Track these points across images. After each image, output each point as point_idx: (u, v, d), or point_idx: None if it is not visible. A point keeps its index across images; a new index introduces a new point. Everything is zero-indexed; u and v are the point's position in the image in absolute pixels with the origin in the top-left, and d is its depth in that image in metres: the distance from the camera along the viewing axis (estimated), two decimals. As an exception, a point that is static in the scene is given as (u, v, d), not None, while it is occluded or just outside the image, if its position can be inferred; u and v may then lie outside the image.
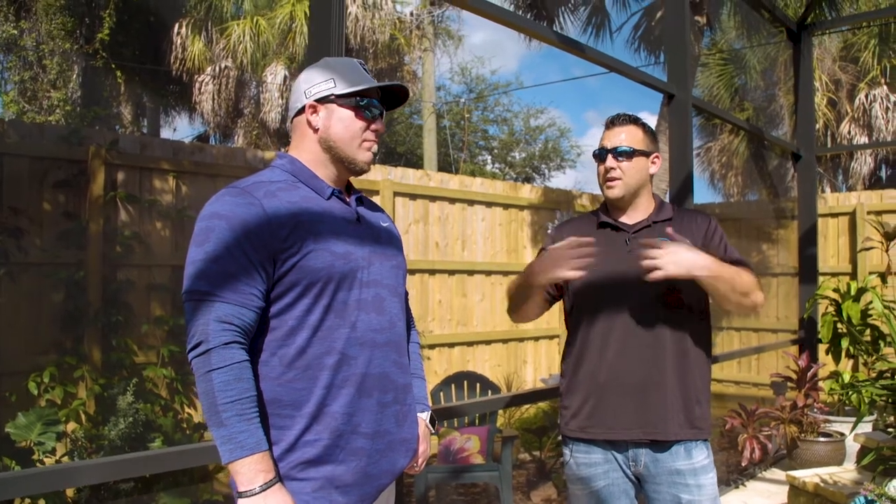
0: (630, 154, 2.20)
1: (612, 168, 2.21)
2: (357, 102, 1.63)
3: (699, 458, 2.17)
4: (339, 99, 1.62)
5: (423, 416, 1.80)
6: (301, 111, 1.65)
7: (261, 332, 1.51)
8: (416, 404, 1.77)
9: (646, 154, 2.24)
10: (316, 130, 1.63)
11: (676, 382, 2.15)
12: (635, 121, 2.27)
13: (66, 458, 4.33)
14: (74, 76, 10.21)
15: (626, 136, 2.22)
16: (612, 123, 2.27)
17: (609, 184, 2.23)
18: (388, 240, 1.72)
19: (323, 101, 1.62)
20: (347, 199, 1.67)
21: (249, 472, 1.40)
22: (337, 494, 1.52)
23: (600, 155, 2.25)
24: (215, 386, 1.39)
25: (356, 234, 1.61)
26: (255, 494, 1.40)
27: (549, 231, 8.00)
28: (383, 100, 1.72)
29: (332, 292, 1.53)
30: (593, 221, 2.32)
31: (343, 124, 1.62)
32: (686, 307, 2.18)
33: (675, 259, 1.98)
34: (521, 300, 2.26)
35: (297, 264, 1.49)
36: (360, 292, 1.57)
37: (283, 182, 1.58)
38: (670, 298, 2.16)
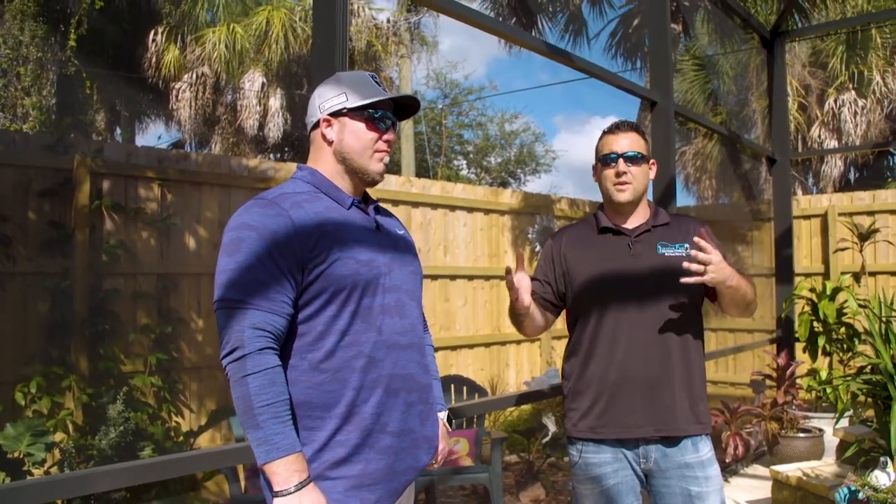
0: (639, 160, 2.28)
1: (624, 172, 2.26)
2: (368, 115, 1.68)
3: (704, 451, 2.26)
4: (351, 112, 1.67)
5: (442, 416, 1.86)
6: (316, 125, 1.71)
7: (289, 338, 1.56)
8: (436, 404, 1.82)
9: (647, 160, 2.33)
10: (330, 143, 1.69)
11: (683, 380, 2.23)
12: (636, 128, 2.34)
13: (55, 469, 4.31)
14: (48, 84, 10.10)
15: (631, 142, 2.29)
16: (616, 129, 2.33)
17: (621, 188, 2.28)
18: (406, 247, 1.78)
19: (336, 114, 1.68)
20: (366, 209, 1.72)
21: (285, 472, 1.45)
22: (367, 492, 1.57)
23: (609, 160, 2.30)
24: (251, 390, 1.44)
25: (377, 242, 1.67)
26: (291, 493, 1.45)
27: (528, 235, 8.10)
28: (395, 111, 1.77)
29: (357, 298, 1.58)
30: (593, 226, 2.38)
31: (355, 136, 1.68)
32: (696, 304, 2.30)
33: (718, 267, 2.06)
34: (518, 319, 2.30)
35: (323, 272, 1.55)
36: (384, 297, 1.63)
37: (306, 193, 1.63)
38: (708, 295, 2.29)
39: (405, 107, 1.80)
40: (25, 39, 9.59)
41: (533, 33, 8.20)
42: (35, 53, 9.55)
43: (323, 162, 1.71)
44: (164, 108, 12.21)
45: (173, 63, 11.27)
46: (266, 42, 11.42)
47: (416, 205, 6.95)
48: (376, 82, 1.72)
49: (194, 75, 11.47)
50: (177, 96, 11.44)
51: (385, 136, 1.71)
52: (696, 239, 2.08)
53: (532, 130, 24.02)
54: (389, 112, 1.72)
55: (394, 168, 15.77)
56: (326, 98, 1.70)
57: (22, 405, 4.39)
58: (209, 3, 11.57)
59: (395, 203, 6.68)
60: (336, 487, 1.54)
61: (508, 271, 2.11)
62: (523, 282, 2.15)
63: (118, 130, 13.88)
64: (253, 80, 11.57)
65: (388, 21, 13.40)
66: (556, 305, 2.39)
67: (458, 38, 38.00)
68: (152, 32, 11.23)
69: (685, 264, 2.07)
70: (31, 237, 4.60)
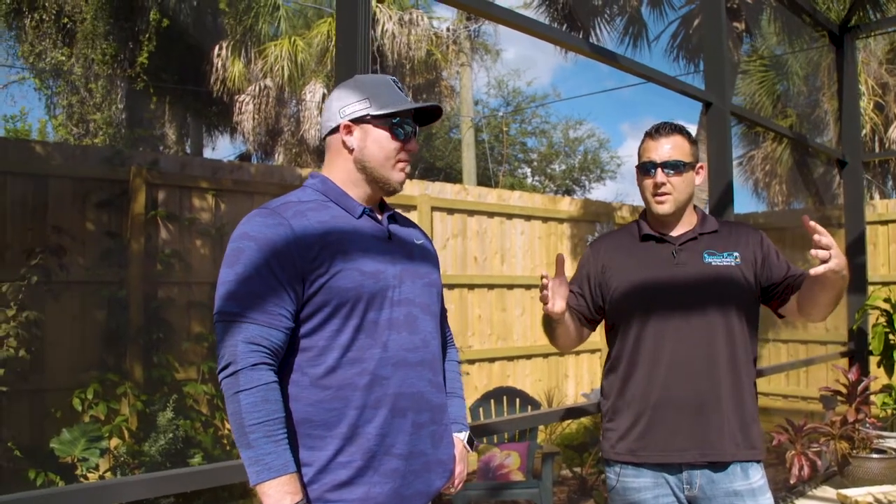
0: (681, 167, 2.11)
1: (662, 183, 2.10)
2: (392, 123, 1.60)
3: (756, 478, 2.08)
4: (375, 119, 1.59)
5: (461, 436, 1.76)
6: (335, 130, 1.63)
7: (291, 352, 1.50)
8: (453, 424, 1.73)
9: (692, 166, 2.15)
10: (351, 151, 1.61)
11: (732, 399, 2.06)
12: (680, 130, 2.16)
13: (108, 474, 4.40)
14: (118, 99, 10.49)
15: (673, 148, 2.11)
16: (656, 133, 2.15)
17: (660, 199, 2.12)
18: (422, 257, 1.68)
19: (358, 121, 1.60)
20: (379, 217, 1.64)
21: (277, 493, 1.38)
22: None
23: (647, 168, 2.13)
24: (243, 407, 1.39)
25: (387, 252, 1.58)
26: None
27: (588, 243, 7.93)
28: (416, 117, 1.68)
29: (361, 312, 1.50)
30: (634, 234, 2.23)
31: (378, 145, 1.60)
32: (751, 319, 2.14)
33: (839, 251, 1.81)
34: (550, 329, 2.16)
35: (325, 284, 1.48)
36: (392, 311, 1.54)
37: (313, 202, 1.57)
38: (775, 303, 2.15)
39: (426, 113, 1.70)
40: (97, 58, 9.99)
41: (590, 38, 8.05)
42: (105, 71, 9.93)
43: (338, 169, 1.63)
44: (228, 120, 12.52)
45: (237, 76, 11.55)
46: (328, 54, 11.58)
47: (471, 213, 6.87)
48: (398, 87, 1.64)
49: (258, 88, 11.73)
50: (240, 109, 11.70)
51: (407, 146, 1.62)
52: (810, 224, 1.80)
53: (597, 137, 23.73)
54: (410, 119, 1.64)
55: (455, 176, 15.78)
56: (347, 102, 1.61)
57: (79, 410, 4.50)
58: (272, 17, 11.82)
59: (451, 212, 6.62)
60: None
61: (545, 277, 1.97)
62: (559, 289, 2.01)
63: (188, 142, 14.30)
64: (314, 92, 11.74)
65: (448, 30, 13.42)
66: (590, 320, 2.23)
67: (523, 46, 37.87)
68: (217, 47, 11.52)
69: (812, 252, 1.82)
70: (89, 247, 4.72)
